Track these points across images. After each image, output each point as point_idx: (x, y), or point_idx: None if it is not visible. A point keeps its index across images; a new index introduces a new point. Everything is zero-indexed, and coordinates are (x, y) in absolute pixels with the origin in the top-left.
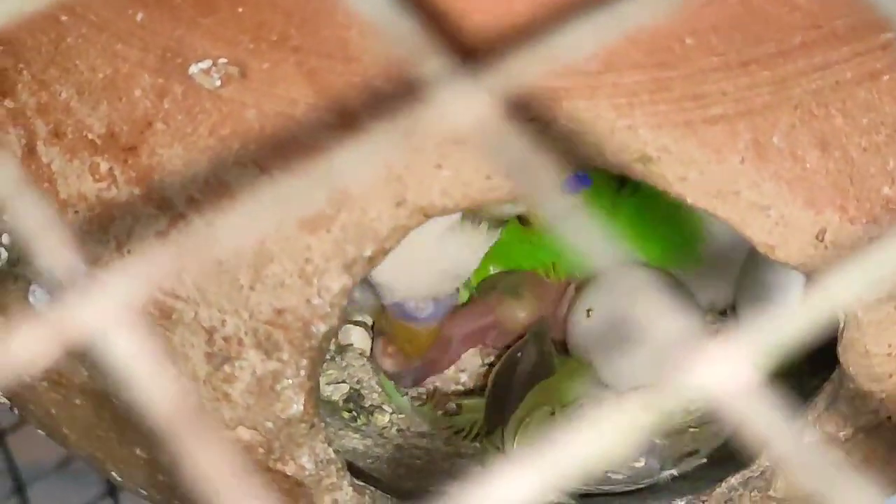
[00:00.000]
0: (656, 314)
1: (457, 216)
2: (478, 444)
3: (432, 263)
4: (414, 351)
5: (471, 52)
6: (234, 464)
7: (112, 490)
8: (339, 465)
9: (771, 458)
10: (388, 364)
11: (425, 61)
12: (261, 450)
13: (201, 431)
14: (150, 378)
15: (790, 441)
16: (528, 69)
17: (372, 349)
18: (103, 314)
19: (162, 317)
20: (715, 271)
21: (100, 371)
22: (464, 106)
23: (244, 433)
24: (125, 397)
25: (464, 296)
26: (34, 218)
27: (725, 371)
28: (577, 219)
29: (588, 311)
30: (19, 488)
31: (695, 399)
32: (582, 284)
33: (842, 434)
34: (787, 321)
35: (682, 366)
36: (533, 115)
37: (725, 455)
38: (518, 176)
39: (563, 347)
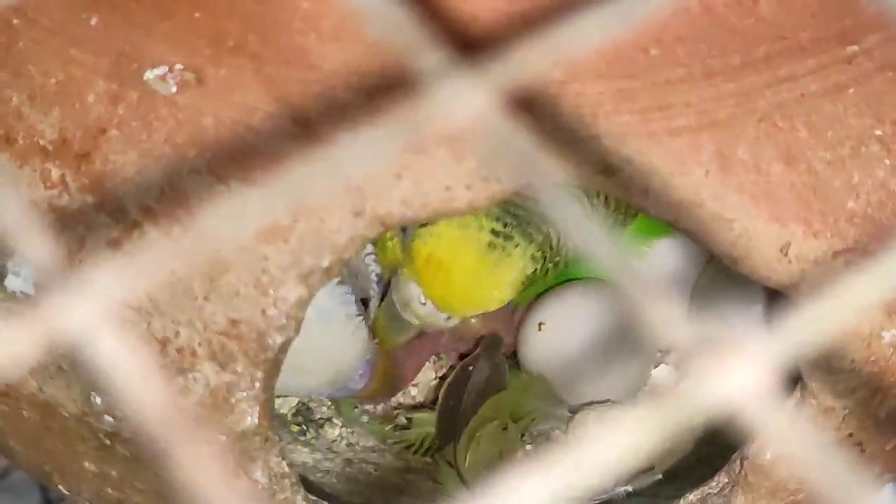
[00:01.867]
0: (660, 317)
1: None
2: (428, 459)
3: (321, 360)
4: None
5: (467, 46)
6: (221, 466)
7: (49, 503)
8: (293, 480)
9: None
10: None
11: (421, 55)
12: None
13: (190, 435)
14: (137, 383)
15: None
16: (527, 64)
17: None
18: (85, 317)
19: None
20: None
21: (69, 384)
22: (462, 101)
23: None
24: (97, 411)
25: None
26: (10, 218)
27: (738, 376)
28: (574, 213)
29: (539, 324)
30: None
31: (702, 410)
32: (534, 298)
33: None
34: (780, 340)
35: (692, 376)
36: (533, 110)
37: (681, 472)
38: (519, 170)
39: (516, 360)
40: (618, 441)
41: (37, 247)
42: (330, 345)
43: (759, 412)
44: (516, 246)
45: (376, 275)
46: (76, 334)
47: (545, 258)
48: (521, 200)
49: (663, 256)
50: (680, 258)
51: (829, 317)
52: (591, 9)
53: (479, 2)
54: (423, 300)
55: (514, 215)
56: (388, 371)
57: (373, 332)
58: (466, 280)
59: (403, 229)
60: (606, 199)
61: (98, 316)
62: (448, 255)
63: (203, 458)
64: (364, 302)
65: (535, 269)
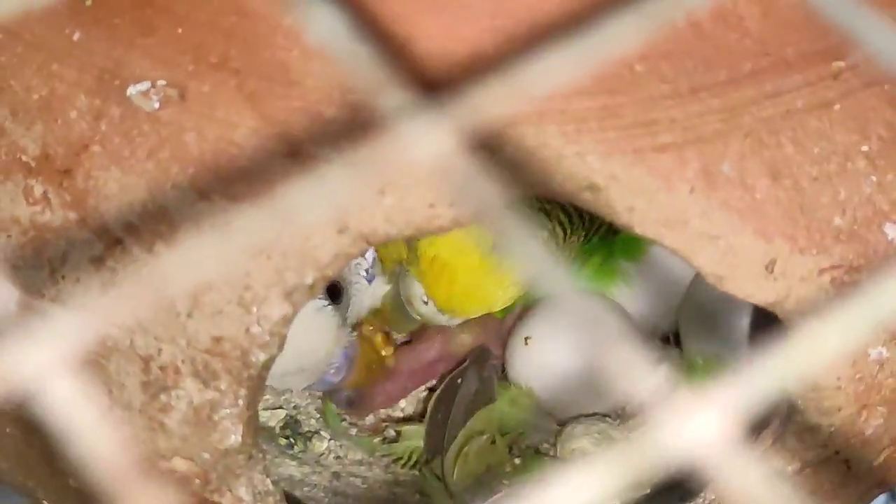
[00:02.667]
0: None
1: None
2: (416, 472)
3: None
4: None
5: (428, 83)
6: None
7: None
8: (278, 498)
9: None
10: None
11: (383, 92)
12: (197, 481)
13: (142, 485)
14: (90, 430)
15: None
16: (487, 102)
17: None
18: (43, 361)
19: (96, 344)
20: (657, 296)
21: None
22: (423, 138)
23: (180, 464)
24: (61, 447)
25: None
26: None
27: (699, 423)
28: (530, 246)
29: (526, 338)
30: None
31: (667, 453)
32: (522, 312)
33: (790, 469)
34: (758, 378)
35: (654, 417)
36: (489, 146)
37: (669, 486)
38: (475, 205)
39: (505, 374)
40: (586, 484)
41: None
42: (297, 335)
43: (718, 462)
44: None
45: (366, 267)
46: (30, 381)
47: None
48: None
49: (644, 278)
50: (661, 280)
51: (817, 342)
52: (552, 48)
53: (440, 41)
54: (425, 299)
55: None
56: (370, 361)
57: (353, 323)
58: (470, 281)
59: None
60: (568, 228)
61: (52, 362)
62: (452, 257)
63: None
64: (337, 290)
65: None
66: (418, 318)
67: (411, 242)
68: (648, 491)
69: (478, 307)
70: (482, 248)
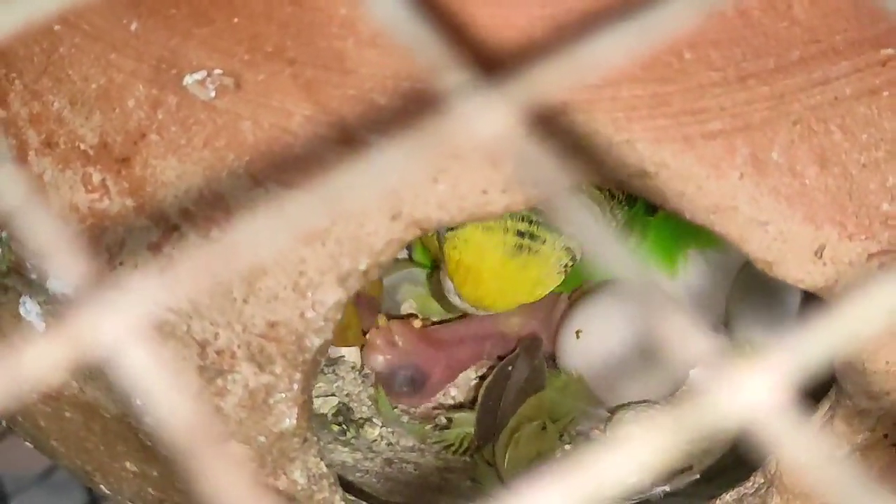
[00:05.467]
0: (677, 332)
1: None
2: (468, 459)
3: None
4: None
5: (493, 63)
6: (248, 479)
7: (94, 501)
8: (332, 480)
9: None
10: (379, 362)
11: (444, 72)
12: (252, 465)
13: (217, 448)
14: (166, 394)
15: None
16: (541, 86)
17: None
18: (117, 329)
19: (153, 329)
20: (711, 282)
21: (109, 386)
22: (484, 117)
23: (236, 448)
24: (136, 412)
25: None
26: (43, 231)
27: (752, 391)
28: (595, 228)
29: (577, 332)
30: (2, 499)
31: (721, 419)
32: (572, 301)
33: (838, 453)
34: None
35: (709, 385)
36: (545, 129)
37: (718, 471)
38: (539, 186)
39: (555, 361)
40: (654, 442)
41: (70, 259)
42: None
43: (774, 427)
44: (543, 242)
45: None
46: (108, 346)
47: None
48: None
49: (694, 267)
50: (711, 269)
51: (864, 320)
52: (612, 26)
53: (492, 30)
54: (458, 295)
55: (539, 213)
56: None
57: None
58: (496, 282)
59: None
60: (626, 205)
61: (130, 327)
62: (476, 261)
63: (229, 471)
64: None
65: (573, 256)
66: (457, 309)
67: (440, 241)
68: (697, 476)
69: (507, 305)
70: (505, 251)
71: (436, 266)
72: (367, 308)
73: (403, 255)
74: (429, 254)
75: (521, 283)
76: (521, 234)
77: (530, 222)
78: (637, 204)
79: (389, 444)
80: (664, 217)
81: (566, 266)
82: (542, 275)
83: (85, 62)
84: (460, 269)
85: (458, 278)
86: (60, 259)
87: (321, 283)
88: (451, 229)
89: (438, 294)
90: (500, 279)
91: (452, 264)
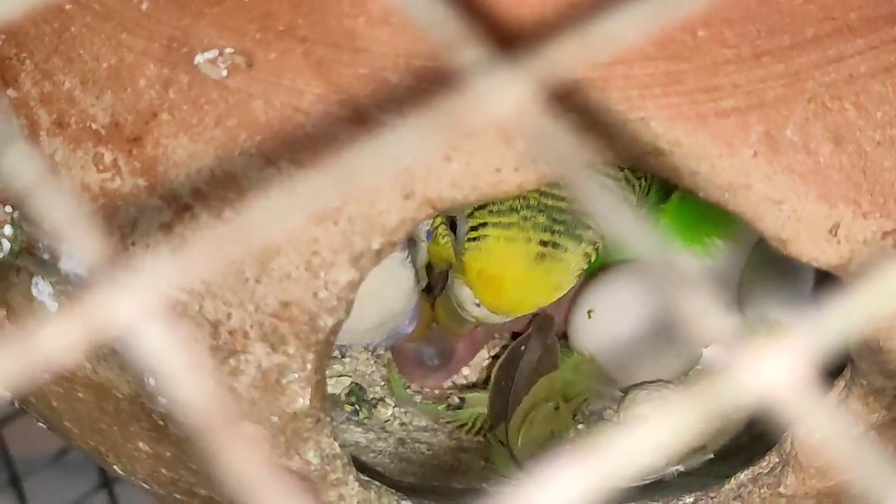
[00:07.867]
0: (696, 311)
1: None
2: (481, 439)
3: (373, 301)
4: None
5: (507, 40)
6: (264, 458)
7: (107, 482)
8: (345, 461)
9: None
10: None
11: (460, 47)
12: (265, 445)
13: (232, 428)
14: (180, 374)
15: (838, 433)
16: (562, 59)
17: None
18: (131, 309)
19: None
20: (728, 263)
21: (122, 367)
22: (501, 92)
23: (249, 428)
24: (150, 393)
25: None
26: (57, 210)
27: (771, 369)
28: (615, 205)
29: (589, 312)
30: (14, 481)
31: (739, 397)
32: (584, 282)
33: (854, 432)
34: (828, 323)
35: (727, 363)
36: (562, 105)
37: (733, 451)
38: (555, 163)
39: (567, 341)
40: (669, 421)
41: (84, 238)
42: (380, 286)
43: (795, 404)
44: (566, 251)
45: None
46: (122, 326)
47: (597, 250)
48: (566, 206)
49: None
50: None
51: (879, 298)
52: (626, 3)
53: (505, 7)
54: (477, 303)
55: (560, 222)
56: (427, 312)
57: (418, 273)
58: (518, 290)
59: (454, 229)
60: (647, 186)
61: (145, 307)
62: (499, 270)
63: (246, 450)
64: (410, 241)
65: (590, 260)
66: (472, 319)
67: (457, 248)
68: (711, 456)
69: (526, 310)
70: (528, 261)
71: (444, 277)
72: None
73: None
74: (437, 264)
75: (541, 290)
76: (543, 243)
77: (552, 232)
78: (655, 188)
79: (402, 424)
80: (682, 199)
81: (583, 269)
82: (562, 280)
83: (96, 42)
84: (482, 279)
85: (478, 287)
86: (74, 238)
87: (334, 262)
88: (471, 239)
89: (446, 310)
90: (522, 287)
91: (473, 273)
